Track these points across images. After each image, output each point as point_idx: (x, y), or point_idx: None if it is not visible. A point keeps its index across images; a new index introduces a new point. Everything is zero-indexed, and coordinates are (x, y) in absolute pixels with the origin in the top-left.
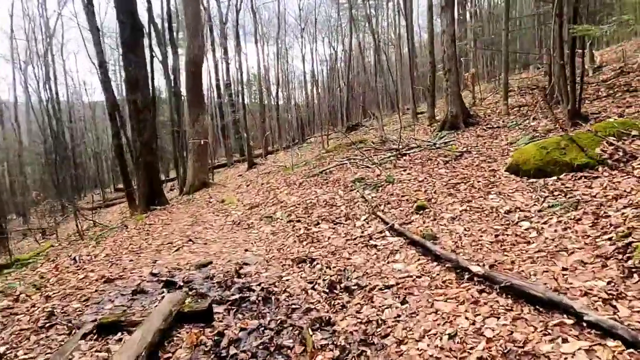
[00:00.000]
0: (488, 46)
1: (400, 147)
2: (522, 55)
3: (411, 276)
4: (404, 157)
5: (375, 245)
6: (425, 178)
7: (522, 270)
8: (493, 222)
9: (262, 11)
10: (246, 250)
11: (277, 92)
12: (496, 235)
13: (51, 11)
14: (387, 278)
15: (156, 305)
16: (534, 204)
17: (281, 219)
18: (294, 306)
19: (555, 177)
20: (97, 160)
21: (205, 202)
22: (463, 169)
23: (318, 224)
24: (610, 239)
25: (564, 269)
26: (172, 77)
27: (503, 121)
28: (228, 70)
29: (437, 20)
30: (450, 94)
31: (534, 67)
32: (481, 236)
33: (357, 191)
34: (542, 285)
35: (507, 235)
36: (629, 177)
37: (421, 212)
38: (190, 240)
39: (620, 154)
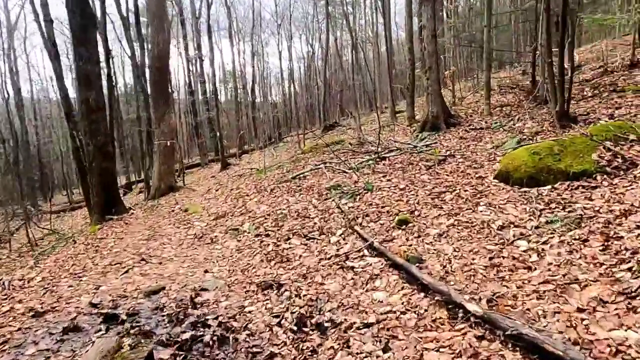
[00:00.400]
0: (470, 43)
1: (379, 149)
2: (498, 54)
3: (394, 312)
4: (384, 161)
5: (353, 267)
6: (407, 186)
7: (528, 309)
8: (485, 241)
9: (237, 6)
10: (206, 271)
11: (252, 90)
12: (490, 258)
13: (12, 4)
14: (367, 313)
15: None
16: (530, 218)
17: (248, 232)
18: (255, 349)
19: (549, 187)
20: (64, 159)
21: (169, 210)
22: (448, 175)
23: (289, 238)
24: (630, 269)
25: (579, 309)
26: (138, 73)
27: (486, 122)
28: (202, 66)
29: (416, 19)
30: (431, 93)
31: (510, 66)
32: (473, 259)
33: (333, 200)
34: (558, 336)
35: (503, 258)
36: (632, 188)
37: (404, 227)
38: (143, 259)
39: (620, 160)
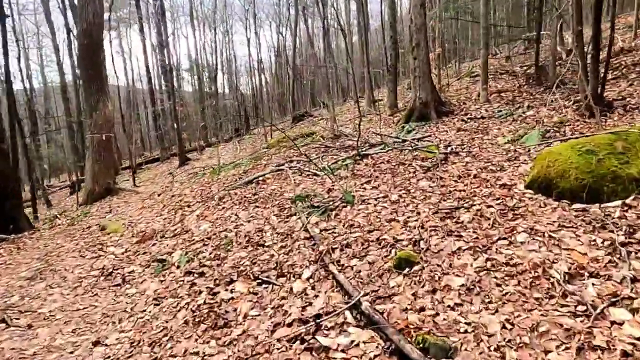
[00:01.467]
0: (459, 16)
1: (359, 144)
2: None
3: None
4: (365, 160)
5: (327, 350)
6: (401, 196)
7: None
8: (553, 306)
9: None
10: (97, 343)
11: (215, 78)
12: (579, 350)
13: None
14: None
15: None
16: (611, 260)
17: (178, 267)
18: None
19: (619, 202)
20: None
21: (85, 227)
22: (456, 181)
23: (232, 281)
24: None
25: None
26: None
27: (486, 110)
28: (163, 52)
29: None
30: (419, 75)
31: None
32: (547, 350)
33: (299, 218)
34: None
35: (602, 350)
36: None
37: (407, 270)
38: (3, 320)
39: None
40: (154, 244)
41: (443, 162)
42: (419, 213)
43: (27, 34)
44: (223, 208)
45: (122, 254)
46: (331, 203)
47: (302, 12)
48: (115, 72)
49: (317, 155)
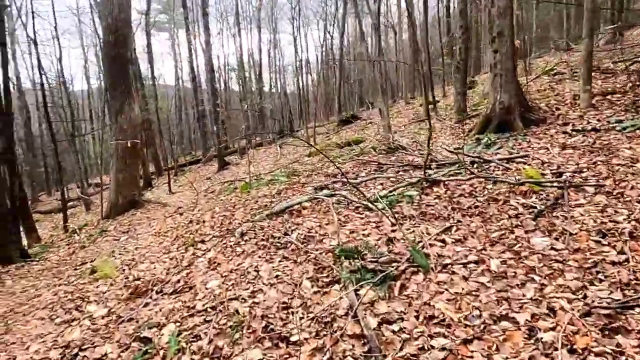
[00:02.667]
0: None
1: (428, 165)
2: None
3: None
4: (436, 189)
5: None
6: (508, 264)
7: None
8: None
9: None
10: None
11: (260, 78)
12: None
13: None
14: None
15: None
16: None
17: (167, 350)
18: None
19: None
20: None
21: (77, 263)
22: (599, 241)
23: None
24: None
25: None
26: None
27: (597, 119)
28: (207, 52)
29: None
30: (501, 73)
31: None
32: None
33: (344, 286)
34: None
35: None
36: None
37: None
38: None
39: None
40: (146, 304)
41: (559, 200)
42: (552, 310)
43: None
44: (242, 253)
45: (103, 318)
46: (394, 266)
47: (350, 9)
48: (151, 73)
49: (368, 174)
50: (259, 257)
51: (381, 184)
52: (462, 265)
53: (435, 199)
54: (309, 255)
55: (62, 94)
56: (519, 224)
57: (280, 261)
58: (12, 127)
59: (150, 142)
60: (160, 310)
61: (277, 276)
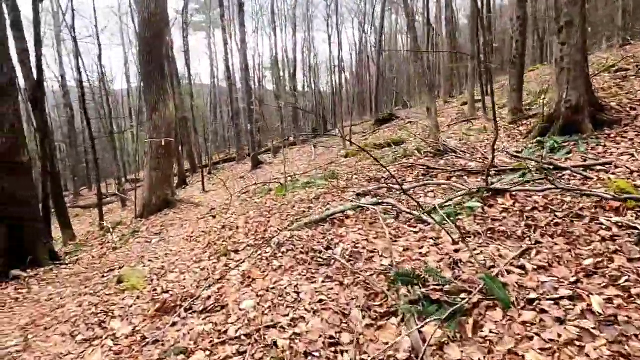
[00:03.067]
0: None
1: (487, 171)
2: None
3: None
4: (501, 199)
5: None
6: (616, 303)
7: None
8: None
9: None
10: None
11: (294, 77)
12: None
13: None
14: None
15: None
16: None
17: None
18: None
19: None
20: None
21: (105, 270)
22: None
23: None
24: None
25: None
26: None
27: None
28: (242, 50)
29: None
30: (568, 68)
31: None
32: None
33: (403, 318)
34: None
35: None
36: None
37: None
38: None
39: None
40: (173, 323)
41: None
42: None
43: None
44: (280, 268)
45: (126, 337)
46: (463, 298)
47: (388, 6)
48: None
49: (414, 179)
50: (299, 274)
51: (431, 191)
52: (552, 302)
53: (502, 212)
54: (358, 277)
55: (101, 92)
56: (618, 249)
57: (323, 282)
58: (48, 124)
59: (186, 140)
60: (189, 333)
61: (320, 301)
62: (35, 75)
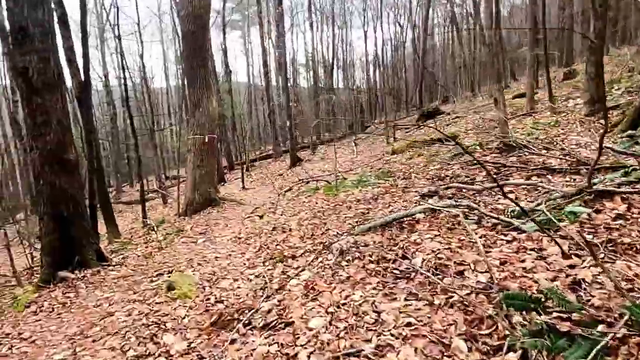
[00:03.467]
0: None
1: (591, 168)
2: None
3: None
4: (609, 204)
5: None
6: None
7: None
8: None
9: None
10: None
11: (330, 73)
12: None
13: None
14: None
15: None
16: None
17: None
18: None
19: None
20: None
21: (153, 274)
22: None
23: None
24: None
25: None
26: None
27: None
28: (279, 47)
29: None
30: None
31: None
32: None
33: (524, 355)
34: None
35: None
36: None
37: None
38: None
39: None
40: (232, 341)
41: None
42: None
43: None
44: (348, 279)
45: (181, 356)
46: (601, 331)
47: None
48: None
49: (485, 178)
50: (373, 288)
51: (510, 191)
52: None
53: (616, 219)
54: (451, 296)
55: (143, 89)
56: None
57: (406, 299)
58: (93, 122)
59: (223, 137)
60: (252, 354)
61: (409, 324)
62: (81, 72)
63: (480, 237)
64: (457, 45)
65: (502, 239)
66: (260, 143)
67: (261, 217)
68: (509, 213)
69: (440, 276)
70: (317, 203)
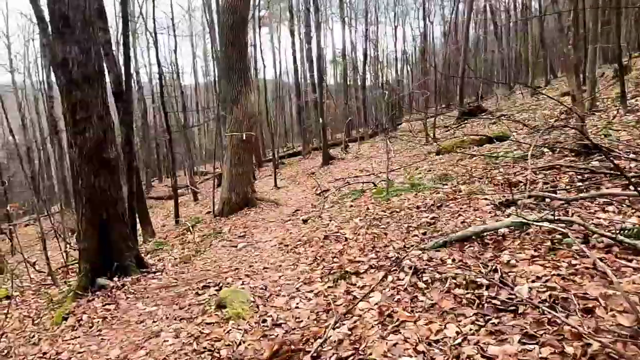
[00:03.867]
0: None
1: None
2: None
3: None
4: None
5: None
6: None
7: None
8: None
9: None
10: None
11: (364, 69)
12: None
13: None
14: None
15: None
16: None
17: None
18: None
19: None
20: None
21: (199, 287)
22: None
23: None
24: None
25: None
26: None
27: None
28: (309, 44)
29: None
30: None
31: None
32: None
33: None
34: None
35: None
36: None
37: None
38: None
39: None
40: None
41: None
42: None
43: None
44: (432, 306)
45: None
46: None
47: None
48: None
49: (569, 185)
50: (472, 322)
51: (607, 203)
52: None
53: None
54: (588, 343)
55: (174, 85)
56: None
57: (521, 341)
58: (132, 118)
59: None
60: None
61: None
62: (122, 65)
63: (592, 263)
64: (490, 41)
65: (627, 266)
66: (287, 140)
67: (305, 221)
68: (619, 231)
69: (563, 313)
70: (368, 208)
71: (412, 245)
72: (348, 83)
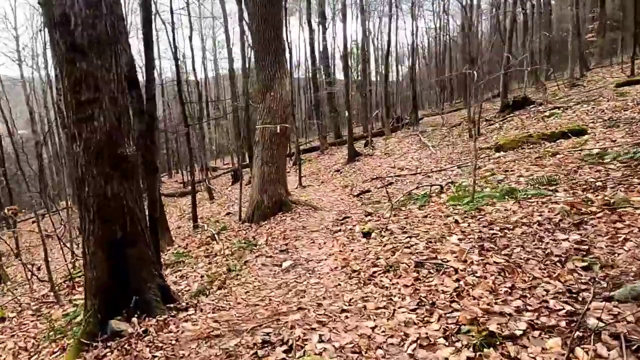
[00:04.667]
0: None
1: None
2: None
3: None
4: None
5: None
6: None
7: None
8: None
9: None
10: None
11: (386, 61)
12: None
13: None
14: None
15: None
16: None
17: None
18: None
19: None
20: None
21: (243, 336)
22: None
23: None
24: None
25: None
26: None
27: None
28: (325, 35)
29: None
30: None
31: None
32: None
33: None
34: None
35: None
36: None
37: None
38: None
39: None
40: None
41: None
42: None
43: (206, 27)
44: None
45: None
46: None
47: None
48: None
49: None
50: None
51: None
52: None
53: None
54: None
55: (187, 76)
56: None
57: None
58: (155, 108)
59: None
60: None
61: None
62: (142, 46)
63: None
64: (520, 31)
65: None
66: (302, 134)
67: (367, 234)
68: None
69: None
70: (456, 221)
71: (579, 290)
72: (368, 77)
